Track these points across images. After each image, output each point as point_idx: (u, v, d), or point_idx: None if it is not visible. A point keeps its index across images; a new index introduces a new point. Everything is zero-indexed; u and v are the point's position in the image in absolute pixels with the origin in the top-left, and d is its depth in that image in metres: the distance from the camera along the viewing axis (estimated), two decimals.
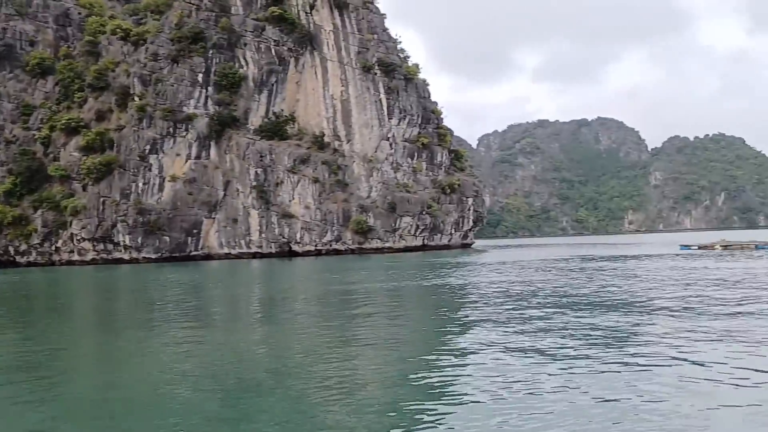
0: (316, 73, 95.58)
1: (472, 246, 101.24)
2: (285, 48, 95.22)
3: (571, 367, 10.21)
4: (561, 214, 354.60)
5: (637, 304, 18.31)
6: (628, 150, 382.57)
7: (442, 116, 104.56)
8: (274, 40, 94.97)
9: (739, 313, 15.64)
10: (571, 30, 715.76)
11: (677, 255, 49.39)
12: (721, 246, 57.65)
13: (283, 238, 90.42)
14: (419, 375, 10.41)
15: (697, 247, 58.76)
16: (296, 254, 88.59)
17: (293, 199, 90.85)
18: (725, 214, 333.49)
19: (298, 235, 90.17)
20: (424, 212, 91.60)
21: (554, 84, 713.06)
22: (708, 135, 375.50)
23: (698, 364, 10.04)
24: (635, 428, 7.26)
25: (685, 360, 10.44)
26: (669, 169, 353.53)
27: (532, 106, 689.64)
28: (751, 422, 7.31)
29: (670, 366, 10.05)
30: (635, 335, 13.09)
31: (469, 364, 10.98)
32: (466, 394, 9.02)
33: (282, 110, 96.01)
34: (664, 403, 8.06)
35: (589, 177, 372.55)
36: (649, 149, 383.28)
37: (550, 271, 35.47)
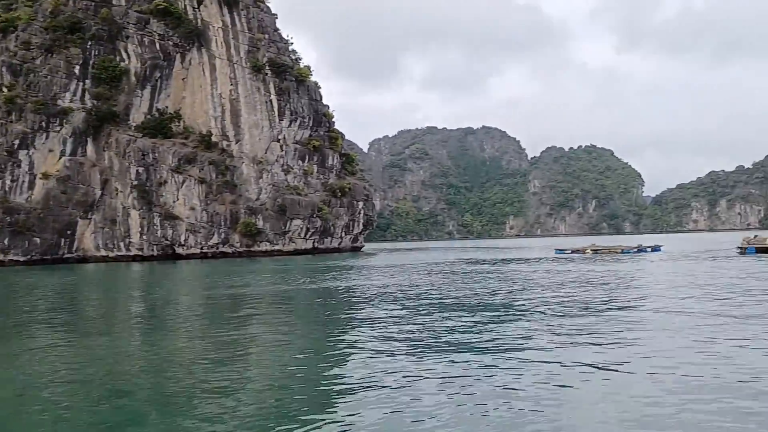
0: (203, 70, 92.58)
1: (362, 249, 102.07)
2: (170, 43, 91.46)
3: (451, 365, 10.49)
4: (448, 219, 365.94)
5: (516, 305, 19.19)
6: (510, 158, 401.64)
7: (333, 119, 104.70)
8: (159, 34, 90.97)
9: (608, 310, 16.79)
10: (458, 41, 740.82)
11: (553, 259, 52.36)
12: (591, 250, 61.80)
13: (166, 240, 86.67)
14: (303, 377, 10.28)
15: (570, 252, 62.62)
16: (180, 257, 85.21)
17: (178, 199, 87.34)
18: (595, 220, 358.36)
19: (183, 237, 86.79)
20: (314, 215, 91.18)
21: (442, 92, 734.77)
22: (581, 146, 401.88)
23: (569, 360, 10.63)
24: (508, 421, 7.55)
25: (558, 357, 11.02)
26: (546, 178, 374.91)
27: (421, 113, 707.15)
28: (609, 416, 7.80)
29: (543, 363, 10.57)
30: (514, 334, 13.67)
31: (354, 366, 10.99)
32: (349, 394, 9.01)
33: (166, 107, 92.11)
34: (537, 398, 8.45)
35: (474, 183, 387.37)
36: (529, 158, 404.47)
37: (437, 274, 36.42)
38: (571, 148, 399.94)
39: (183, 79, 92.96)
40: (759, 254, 46.14)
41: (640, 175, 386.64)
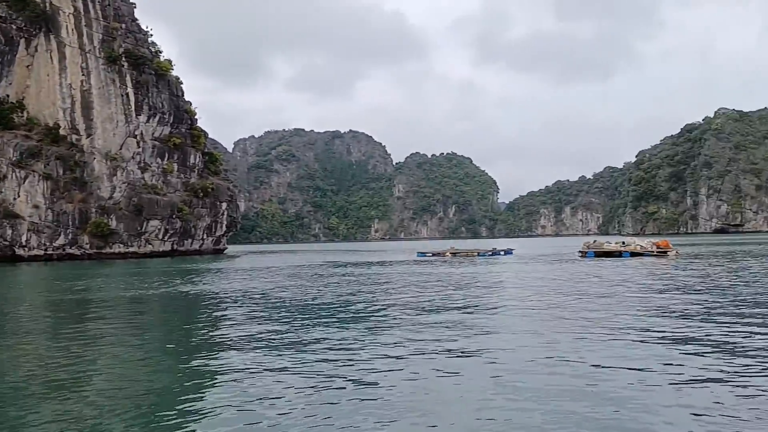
0: (51, 58, 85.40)
1: (225, 252, 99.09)
2: (14, 27, 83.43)
3: (311, 366, 10.46)
4: (314, 222, 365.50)
5: (378, 306, 19.55)
6: (376, 163, 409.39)
7: (196, 117, 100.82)
8: (1, 17, 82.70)
9: (466, 309, 17.60)
10: (325, 45, 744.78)
11: (415, 261, 54.04)
12: (450, 253, 64.54)
13: (5, 240, 78.79)
14: (155, 385, 9.77)
15: (431, 255, 65.00)
16: (21, 259, 77.84)
17: (19, 196, 79.75)
18: (455, 225, 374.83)
19: (24, 238, 79.35)
20: (174, 216, 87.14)
21: (309, 94, 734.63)
22: (443, 153, 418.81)
23: (427, 358, 11.00)
24: (358, 422, 7.66)
25: (416, 358, 11.36)
26: (410, 183, 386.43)
27: (288, 114, 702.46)
28: (467, 412, 8.17)
29: (397, 363, 10.85)
30: (378, 337, 13.90)
31: (211, 373, 10.62)
32: (203, 401, 8.69)
33: (8, 96, 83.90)
34: (390, 400, 8.64)
35: (341, 186, 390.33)
36: (394, 163, 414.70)
37: (302, 277, 36.22)
38: (433, 155, 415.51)
39: (28, 66, 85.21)
40: (597, 258, 50.56)
41: (495, 183, 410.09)
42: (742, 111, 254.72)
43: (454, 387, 9.13)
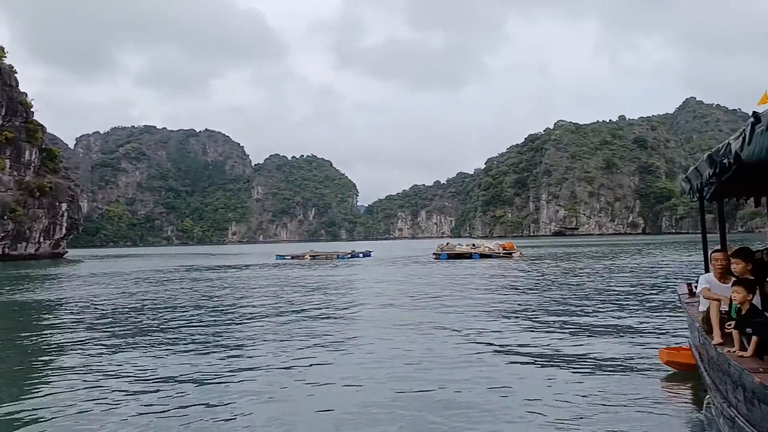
0: None
1: (65, 256, 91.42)
2: None
3: (164, 370, 9.89)
4: (166, 224, 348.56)
5: (233, 310, 18.97)
6: (234, 164, 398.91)
7: (32, 110, 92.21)
8: None
9: (324, 311, 17.57)
10: (178, 39, 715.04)
11: (273, 264, 53.27)
12: (310, 256, 64.40)
13: None
14: None
15: (290, 257, 64.44)
16: None
17: None
18: (315, 227, 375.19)
19: None
20: (5, 217, 78.98)
21: (161, 90, 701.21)
22: (303, 156, 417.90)
23: (287, 360, 10.81)
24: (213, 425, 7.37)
25: (271, 363, 11.13)
26: (269, 185, 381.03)
27: (138, 111, 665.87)
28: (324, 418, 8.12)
29: (261, 368, 10.58)
30: (235, 340, 13.45)
31: (53, 388, 9.69)
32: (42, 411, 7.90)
33: None
34: (245, 404, 8.40)
35: (196, 187, 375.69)
36: (253, 165, 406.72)
37: (152, 282, 34.28)
38: (293, 157, 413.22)
39: None
40: (450, 259, 52.86)
41: (355, 186, 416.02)
42: (578, 123, 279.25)
43: (306, 392, 9.04)
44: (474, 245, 59.43)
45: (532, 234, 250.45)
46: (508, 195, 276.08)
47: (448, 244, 63.95)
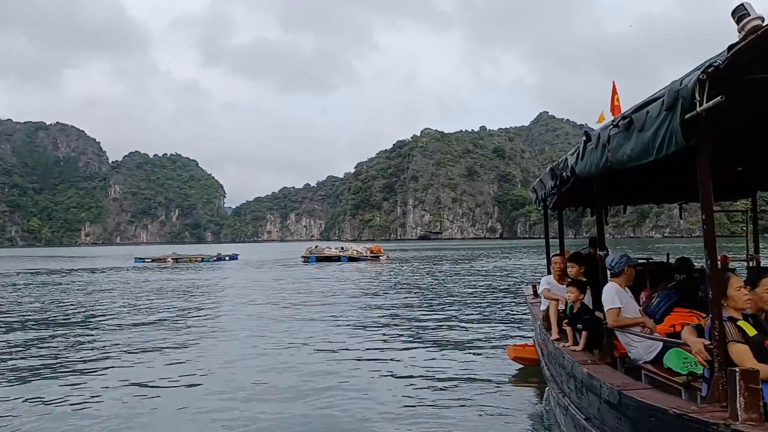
0: None
1: None
2: None
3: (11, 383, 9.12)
4: (10, 224, 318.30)
5: (88, 317, 17.81)
6: (89, 160, 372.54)
7: None
8: None
9: (187, 315, 16.96)
10: (25, 26, 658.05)
11: (132, 268, 50.46)
12: (172, 259, 61.71)
13: None
14: None
15: (151, 260, 61.36)
16: None
17: None
18: (178, 229, 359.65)
19: None
20: None
21: (5, 80, 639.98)
22: (166, 154, 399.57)
23: (146, 369, 10.36)
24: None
25: (135, 366, 10.64)
26: (129, 183, 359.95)
27: None
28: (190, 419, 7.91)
29: (117, 374, 10.07)
30: (90, 349, 12.66)
31: None
32: None
33: None
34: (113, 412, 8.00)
35: (45, 185, 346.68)
36: (110, 162, 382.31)
37: None
38: (156, 155, 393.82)
39: None
40: (319, 262, 52.98)
41: (222, 187, 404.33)
42: (443, 132, 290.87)
43: (167, 397, 8.76)
44: (343, 248, 59.99)
45: (399, 238, 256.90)
46: (377, 199, 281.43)
47: (317, 247, 64.03)
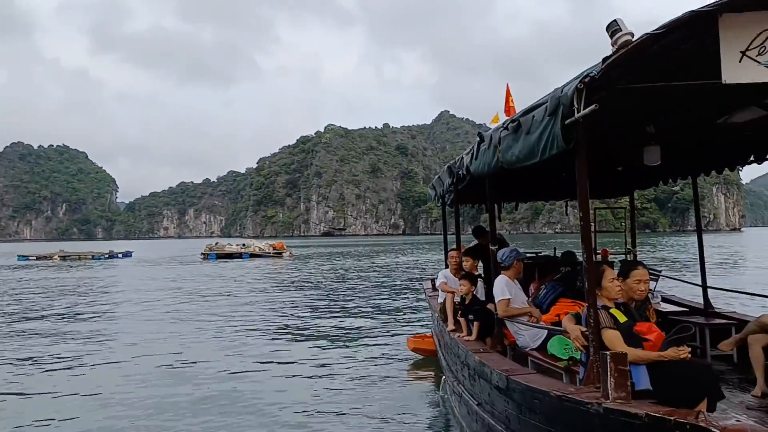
0: None
1: None
2: None
3: None
4: None
5: None
6: None
7: None
8: None
9: (78, 316, 16.11)
10: None
11: (15, 266, 47.11)
12: (59, 256, 58.19)
13: None
14: None
15: (36, 258, 57.58)
16: None
17: None
18: (66, 225, 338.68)
19: None
20: None
21: None
22: (52, 145, 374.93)
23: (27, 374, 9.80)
24: None
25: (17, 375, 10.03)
26: (10, 176, 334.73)
27: None
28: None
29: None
30: None
31: None
32: None
33: None
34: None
35: None
36: None
37: None
38: (41, 146, 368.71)
39: None
40: (219, 260, 51.72)
41: (114, 181, 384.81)
42: (346, 128, 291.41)
43: (58, 402, 8.36)
44: (244, 245, 58.95)
45: (302, 234, 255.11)
46: (280, 195, 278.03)
47: (217, 243, 62.48)
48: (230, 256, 53.71)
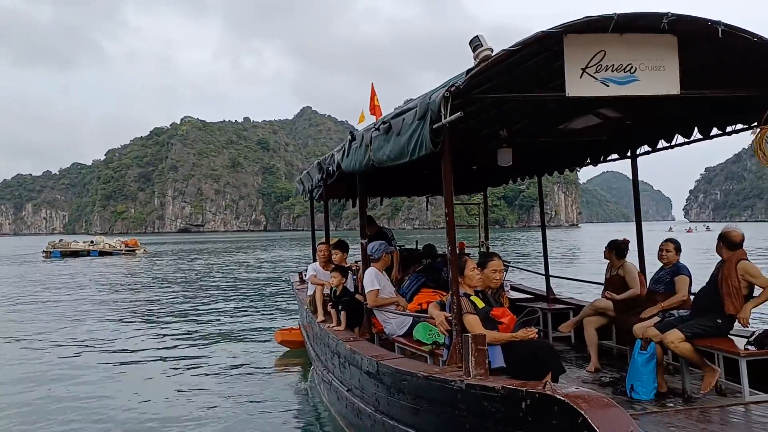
0: None
1: None
2: None
3: None
4: None
5: None
6: None
7: None
8: None
9: None
10: None
11: None
12: None
13: None
14: None
15: None
16: None
17: None
18: None
19: None
20: None
21: None
22: None
23: None
24: None
25: None
26: None
27: None
28: None
29: None
30: None
31: None
32: None
33: None
34: None
35: None
36: None
37: None
38: None
39: None
40: (64, 258, 47.98)
41: None
42: (205, 121, 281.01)
43: None
44: (93, 242, 55.20)
45: (157, 231, 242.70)
46: (132, 189, 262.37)
47: (61, 240, 57.91)
48: (77, 253, 50.06)
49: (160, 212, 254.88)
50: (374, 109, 8.64)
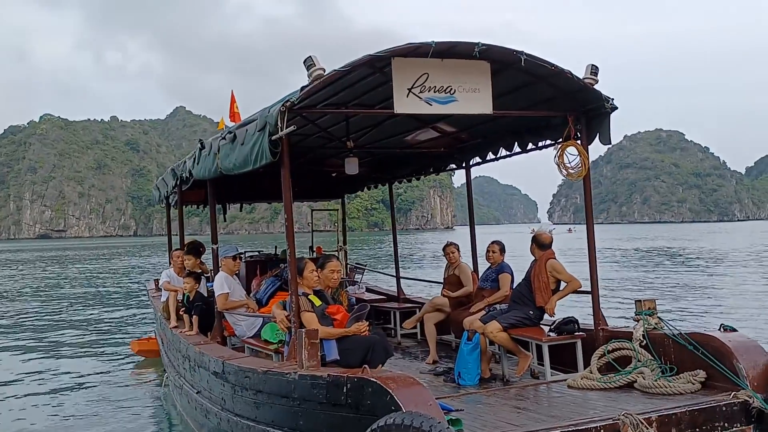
0: None
1: None
2: None
3: None
4: None
5: None
6: None
7: None
8: None
9: None
10: None
11: None
12: None
13: None
14: None
15: None
16: None
17: None
18: None
19: None
20: None
21: None
22: None
23: None
24: None
25: None
26: None
27: None
28: None
29: None
30: None
31: None
32: None
33: None
34: None
35: None
36: None
37: None
38: None
39: None
40: None
41: None
42: (67, 119, 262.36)
43: None
44: None
45: (12, 237, 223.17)
46: None
47: None
48: None
49: (17, 217, 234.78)
50: (234, 116, 8.77)
